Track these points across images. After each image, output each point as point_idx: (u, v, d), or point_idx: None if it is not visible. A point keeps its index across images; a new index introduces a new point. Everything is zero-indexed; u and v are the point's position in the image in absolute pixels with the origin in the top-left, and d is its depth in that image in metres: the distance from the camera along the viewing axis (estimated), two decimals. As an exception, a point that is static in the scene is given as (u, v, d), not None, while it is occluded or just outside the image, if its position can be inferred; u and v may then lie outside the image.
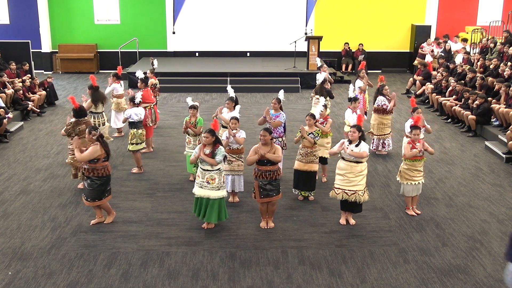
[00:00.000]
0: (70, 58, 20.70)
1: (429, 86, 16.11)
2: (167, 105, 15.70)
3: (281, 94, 9.87)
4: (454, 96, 14.42)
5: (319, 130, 8.88)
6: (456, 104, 13.96)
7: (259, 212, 8.09)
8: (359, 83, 12.87)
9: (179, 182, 9.84)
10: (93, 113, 10.97)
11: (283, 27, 20.75)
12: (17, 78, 15.21)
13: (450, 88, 14.85)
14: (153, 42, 21.02)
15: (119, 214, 8.40)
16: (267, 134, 7.64)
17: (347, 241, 7.67)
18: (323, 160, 9.64)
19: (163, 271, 6.85)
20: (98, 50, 21.02)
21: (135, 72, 12.89)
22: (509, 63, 14.12)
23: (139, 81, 11.76)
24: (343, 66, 21.02)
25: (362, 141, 7.84)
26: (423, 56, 19.13)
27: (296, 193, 9.04)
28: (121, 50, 19.98)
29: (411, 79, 17.72)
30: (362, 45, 20.88)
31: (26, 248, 7.38)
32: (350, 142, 7.81)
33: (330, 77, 14.79)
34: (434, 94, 15.42)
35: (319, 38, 18.32)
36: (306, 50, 18.59)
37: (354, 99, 10.87)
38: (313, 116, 8.85)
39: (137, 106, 10.11)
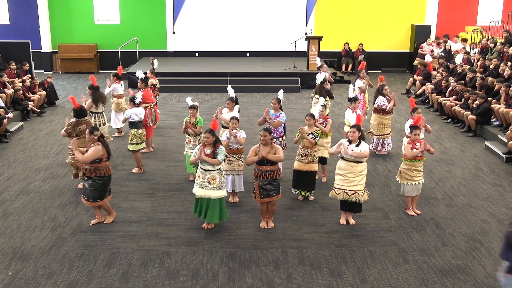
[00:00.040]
0: (70, 58, 20.70)
1: (429, 86, 16.11)
2: (167, 105, 15.70)
3: (280, 94, 9.87)
4: (454, 96, 14.42)
5: (319, 130, 8.88)
6: (456, 104, 13.96)
7: (259, 212, 8.09)
8: (359, 83, 12.86)
9: (179, 182, 9.84)
10: (93, 113, 10.97)
11: (283, 27, 20.75)
12: (17, 78, 15.21)
13: (450, 88, 14.85)
14: (153, 42, 21.02)
15: (119, 214, 8.40)
16: (267, 134, 7.64)
17: (347, 241, 7.67)
18: (322, 160, 9.64)
19: (163, 271, 6.85)
20: (98, 50, 21.02)
21: (135, 72, 12.89)
22: (509, 63, 14.12)
23: (139, 81, 11.76)
24: (343, 66, 21.02)
25: (362, 141, 7.85)
26: (423, 56, 19.13)
27: (296, 193, 9.04)
28: (121, 50, 19.99)
29: (411, 79, 17.72)
30: (362, 45, 20.88)
31: (26, 248, 7.38)
32: (350, 142, 7.81)
33: (330, 77, 14.80)
34: (434, 94, 15.42)
35: (319, 38, 18.32)
36: (306, 50, 18.59)
37: (354, 99, 10.88)
38: (312, 116, 8.85)
39: (137, 106, 10.11)
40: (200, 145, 7.77)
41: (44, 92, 15.39)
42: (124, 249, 7.38)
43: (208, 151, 7.60)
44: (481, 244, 7.60)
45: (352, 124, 8.13)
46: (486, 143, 11.97)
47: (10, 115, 12.86)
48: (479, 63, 15.65)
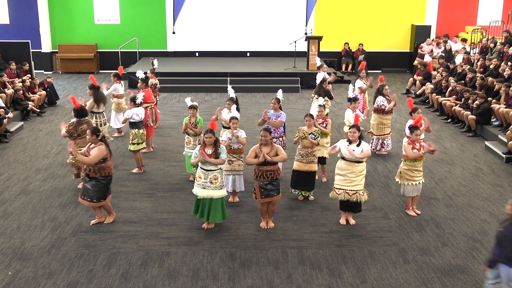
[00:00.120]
0: (70, 58, 20.70)
1: (429, 86, 16.11)
2: (167, 105, 15.70)
3: (279, 94, 9.88)
4: (454, 96, 14.43)
5: (318, 130, 8.88)
6: (456, 104, 13.96)
7: (259, 212, 8.09)
8: (359, 83, 12.86)
9: (179, 182, 9.84)
10: (94, 113, 10.96)
11: (283, 27, 20.75)
12: (17, 78, 15.21)
13: (450, 88, 14.85)
14: (153, 42, 21.02)
15: (119, 214, 8.40)
16: (268, 134, 7.65)
17: (347, 241, 7.67)
18: (322, 160, 9.64)
19: (163, 271, 6.85)
20: (98, 50, 21.02)
21: (135, 72, 12.89)
22: (509, 63, 14.12)
23: (139, 81, 11.75)
24: (343, 66, 21.02)
25: (362, 141, 7.85)
26: (422, 56, 19.14)
27: (296, 193, 9.04)
28: (121, 50, 19.99)
29: (411, 79, 17.72)
30: (362, 45, 20.88)
31: (26, 248, 7.38)
32: (350, 142, 7.81)
33: (335, 76, 14.78)
34: (434, 94, 15.42)
35: (319, 38, 18.32)
36: (306, 50, 18.60)
37: (354, 99, 10.89)
38: (312, 116, 8.86)
39: (138, 106, 10.11)
40: (199, 146, 7.75)
41: (44, 92, 15.39)
42: (124, 249, 7.38)
43: (209, 151, 7.60)
44: (481, 244, 7.60)
45: (352, 124, 8.12)
46: (486, 143, 11.97)
47: (10, 115, 12.86)
48: (479, 63, 15.65)
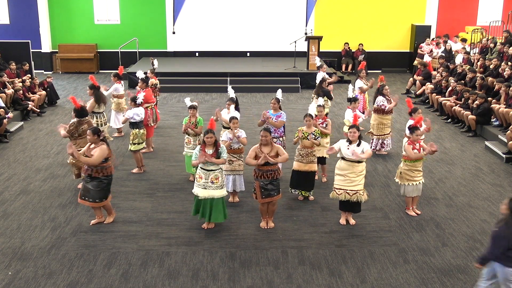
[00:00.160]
0: (70, 58, 20.70)
1: (429, 86, 16.11)
2: (167, 105, 15.70)
3: (279, 94, 9.88)
4: (454, 96, 14.43)
5: (318, 130, 8.87)
6: (456, 104, 13.96)
7: (259, 212, 8.09)
8: (359, 83, 12.85)
9: (179, 182, 9.84)
10: (94, 113, 10.96)
11: (283, 27, 20.75)
12: (17, 78, 15.21)
13: (450, 89, 14.85)
14: (153, 42, 21.02)
15: (119, 214, 8.40)
16: (268, 134, 7.66)
17: (347, 241, 7.67)
18: (322, 160, 9.64)
19: (163, 271, 6.85)
20: (98, 50, 21.02)
21: (136, 72, 12.89)
22: (509, 63, 14.12)
23: (139, 81, 11.75)
24: (343, 66, 21.02)
25: (362, 141, 7.86)
26: (421, 56, 19.14)
27: (297, 193, 9.03)
28: (121, 50, 19.99)
29: (411, 79, 17.73)
30: (362, 45, 20.88)
31: (26, 248, 7.38)
32: (350, 142, 7.81)
33: (332, 77, 14.77)
34: (434, 94, 15.42)
35: (319, 38, 18.32)
36: (306, 50, 18.60)
37: (353, 100, 10.88)
38: (311, 116, 8.86)
39: (138, 106, 10.11)
40: (199, 146, 7.74)
41: (44, 92, 15.39)
42: (124, 249, 7.38)
43: (210, 151, 7.60)
44: (481, 244, 7.60)
45: (351, 125, 8.12)
46: (486, 143, 11.97)
47: (10, 115, 12.87)
48: (479, 63, 15.65)
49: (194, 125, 9.42)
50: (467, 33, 20.01)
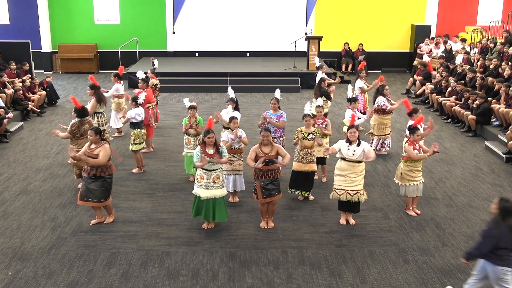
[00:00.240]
0: (70, 58, 20.70)
1: (429, 86, 16.11)
2: (167, 105, 15.70)
3: (277, 93, 9.89)
4: (454, 96, 14.43)
5: (317, 130, 8.87)
6: (456, 104, 13.96)
7: (259, 212, 8.09)
8: (359, 83, 12.84)
9: (179, 182, 9.84)
10: (95, 112, 10.95)
11: (283, 27, 20.75)
12: (17, 78, 15.21)
13: (449, 89, 14.85)
14: (153, 42, 21.02)
15: (119, 214, 8.40)
16: (269, 134, 7.69)
17: (347, 241, 7.67)
18: (322, 160, 9.64)
19: (163, 271, 6.85)
20: (98, 50, 21.03)
21: (136, 72, 12.89)
22: (509, 63, 14.12)
23: (140, 81, 11.75)
24: (343, 66, 21.02)
25: (362, 141, 7.86)
26: (421, 56, 19.15)
27: (297, 193, 9.03)
28: (121, 50, 19.99)
29: (411, 79, 17.72)
30: (362, 45, 20.88)
31: (26, 248, 7.38)
32: (350, 143, 7.80)
33: (336, 79, 14.74)
34: (434, 94, 15.42)
35: (319, 38, 18.32)
36: (306, 50, 18.59)
37: (353, 100, 10.88)
38: (310, 116, 8.88)
39: (139, 106, 10.12)
40: (199, 146, 7.72)
41: (44, 92, 15.39)
42: (124, 249, 7.38)
43: (211, 151, 7.60)
44: (481, 244, 7.59)
45: (350, 125, 8.12)
46: (486, 143, 11.97)
47: (10, 115, 12.86)
48: (479, 63, 15.65)
49: (195, 124, 9.43)
50: (467, 33, 20.00)
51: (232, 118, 8.60)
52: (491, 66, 14.89)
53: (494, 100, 13.13)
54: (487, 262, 5.69)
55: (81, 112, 9.09)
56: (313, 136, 8.71)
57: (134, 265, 6.98)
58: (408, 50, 21.37)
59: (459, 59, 17.23)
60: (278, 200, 8.12)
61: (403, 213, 8.56)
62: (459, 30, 20.76)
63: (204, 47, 21.13)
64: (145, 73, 12.39)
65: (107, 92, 12.32)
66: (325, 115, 11.27)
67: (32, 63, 17.55)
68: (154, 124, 11.57)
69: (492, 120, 12.86)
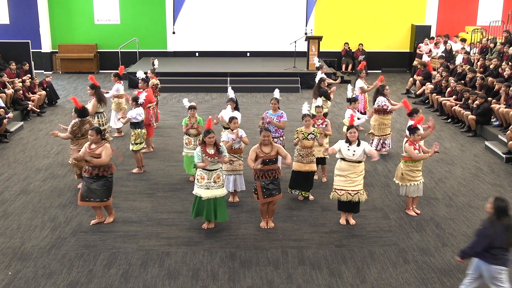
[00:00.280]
0: (70, 58, 20.70)
1: (429, 86, 16.11)
2: (167, 105, 15.70)
3: (276, 93, 9.90)
4: (454, 96, 14.43)
5: (317, 130, 8.87)
6: (456, 104, 13.96)
7: (259, 212, 8.09)
8: (360, 83, 12.83)
9: (179, 182, 9.84)
10: (96, 112, 10.94)
11: (283, 27, 20.75)
12: (17, 78, 15.21)
13: (448, 89, 14.85)
14: (153, 42, 21.02)
15: (119, 214, 8.40)
16: (270, 134, 7.70)
17: (347, 241, 7.67)
18: (322, 160, 9.64)
19: (163, 271, 6.85)
20: (98, 50, 21.03)
21: (136, 72, 12.89)
22: (509, 63, 14.12)
23: (140, 81, 11.75)
24: (343, 66, 21.02)
25: (361, 141, 7.87)
26: (420, 56, 19.15)
27: (297, 193, 9.03)
28: (121, 50, 19.99)
29: (411, 79, 17.72)
30: (362, 45, 20.88)
31: (26, 248, 7.38)
32: (350, 143, 7.80)
33: (336, 80, 14.73)
34: (434, 94, 15.42)
35: (319, 38, 18.32)
36: (306, 50, 18.59)
37: (353, 100, 10.88)
38: (310, 116, 8.89)
39: (139, 106, 10.13)
40: (199, 147, 7.72)
41: (44, 92, 15.40)
42: (124, 249, 7.38)
43: (211, 151, 7.60)
44: (481, 244, 7.59)
45: (349, 125, 8.12)
46: (486, 143, 11.97)
47: (10, 115, 12.86)
48: (479, 63, 15.65)
49: (196, 124, 9.45)
50: (467, 33, 20.00)
51: (232, 118, 8.60)
52: (491, 66, 14.89)
53: (494, 100, 13.13)
54: (482, 261, 5.71)
55: (82, 112, 9.09)
56: (313, 136, 8.71)
57: (134, 265, 6.98)
58: (408, 50, 21.37)
59: (459, 59, 17.23)
60: (278, 200, 8.12)
61: (403, 213, 8.56)
62: (459, 30, 20.76)
63: (204, 47, 21.13)
64: (145, 73, 12.40)
65: (108, 93, 12.31)
66: (325, 115, 11.27)
67: (32, 63, 17.55)
68: (154, 124, 11.57)
69: (492, 120, 12.86)
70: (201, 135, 9.25)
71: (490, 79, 14.18)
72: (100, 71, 21.08)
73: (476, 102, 12.90)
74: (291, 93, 17.25)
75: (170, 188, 9.56)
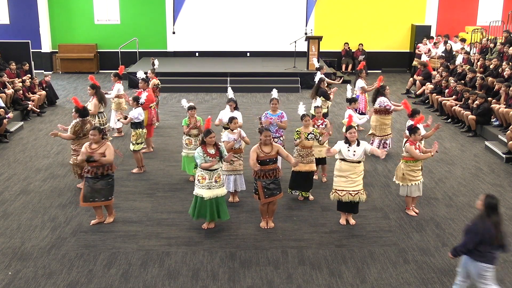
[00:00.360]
0: (70, 58, 20.70)
1: (429, 86, 16.11)
2: (167, 105, 15.70)
3: (275, 93, 9.90)
4: (454, 96, 14.43)
5: (317, 130, 8.87)
6: (456, 104, 13.96)
7: (259, 212, 8.09)
8: (360, 82, 12.82)
9: (179, 182, 9.84)
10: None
11: (283, 27, 20.75)
12: (17, 78, 15.22)
13: (448, 89, 14.85)
14: (153, 42, 21.02)
15: (119, 214, 8.40)
16: (270, 134, 7.73)
17: (347, 241, 7.67)
18: (322, 160, 9.64)
19: (163, 271, 6.85)
20: (98, 50, 21.03)
21: (136, 73, 12.89)
22: (510, 63, 14.12)
23: (141, 81, 11.75)
24: (343, 66, 21.02)
25: (361, 140, 7.87)
26: (419, 56, 19.15)
27: (297, 194, 9.03)
28: (121, 50, 19.99)
29: (411, 79, 17.73)
30: (362, 45, 20.89)
31: (26, 248, 7.38)
32: (350, 143, 7.80)
33: (336, 80, 14.72)
34: (434, 94, 15.42)
35: (319, 38, 18.32)
36: (306, 50, 18.60)
37: (353, 100, 10.87)
38: (309, 115, 8.89)
39: (140, 106, 10.13)
40: (199, 147, 7.71)
41: (44, 92, 15.40)
42: (124, 249, 7.38)
43: (212, 151, 7.61)
44: (481, 244, 7.59)
45: (348, 125, 8.12)
46: (486, 143, 11.97)
47: (10, 115, 12.86)
48: (479, 63, 15.66)
49: (198, 123, 9.46)
50: (467, 33, 20.01)
51: (232, 118, 8.61)
52: (491, 66, 14.89)
53: (494, 100, 13.14)
54: (469, 259, 5.73)
55: (83, 112, 9.10)
56: (313, 136, 8.71)
57: (134, 265, 6.98)
58: (408, 50, 21.38)
59: (459, 59, 17.23)
60: (278, 200, 8.12)
61: (403, 213, 8.56)
62: (459, 30, 20.76)
63: (204, 47, 21.13)
64: (146, 73, 12.40)
65: (108, 93, 12.30)
66: (325, 115, 11.26)
67: (32, 63, 17.54)
68: (155, 124, 11.57)
69: (492, 120, 12.87)
70: (201, 135, 9.27)
71: (490, 79, 14.18)
72: (100, 71, 21.08)
73: (476, 102, 12.90)
74: (291, 93, 17.25)
75: (170, 188, 9.56)
